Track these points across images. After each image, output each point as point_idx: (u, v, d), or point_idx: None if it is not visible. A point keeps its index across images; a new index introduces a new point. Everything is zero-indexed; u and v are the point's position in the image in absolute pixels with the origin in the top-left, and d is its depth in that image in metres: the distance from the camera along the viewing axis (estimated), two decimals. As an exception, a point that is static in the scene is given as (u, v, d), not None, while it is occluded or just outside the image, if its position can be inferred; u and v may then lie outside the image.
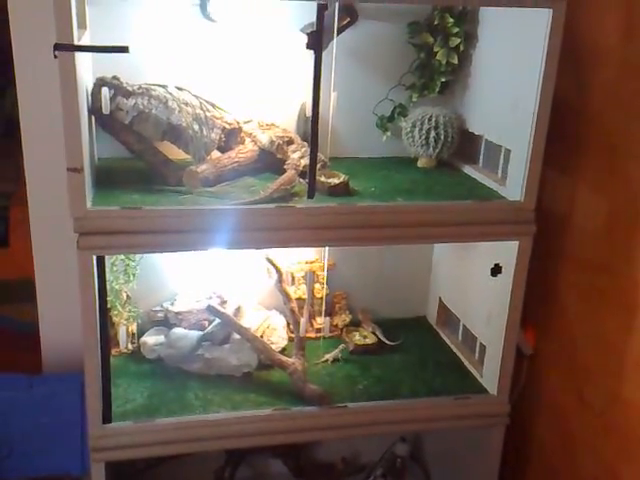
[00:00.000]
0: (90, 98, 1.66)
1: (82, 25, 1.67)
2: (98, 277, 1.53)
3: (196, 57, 1.87)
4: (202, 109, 1.74)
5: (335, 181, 1.73)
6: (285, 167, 1.77)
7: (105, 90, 1.51)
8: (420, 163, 2.04)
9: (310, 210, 1.57)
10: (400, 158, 2.08)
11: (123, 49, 1.32)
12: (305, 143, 1.92)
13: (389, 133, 2.04)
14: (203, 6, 1.82)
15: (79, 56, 1.40)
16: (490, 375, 1.93)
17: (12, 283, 3.30)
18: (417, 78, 2.00)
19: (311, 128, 1.54)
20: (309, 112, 1.51)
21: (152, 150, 1.73)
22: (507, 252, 1.76)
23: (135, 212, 1.49)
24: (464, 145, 2.00)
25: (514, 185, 1.71)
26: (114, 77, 1.66)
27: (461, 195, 1.75)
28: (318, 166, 1.80)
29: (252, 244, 1.59)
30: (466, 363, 2.08)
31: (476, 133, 1.96)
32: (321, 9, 1.46)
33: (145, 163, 1.75)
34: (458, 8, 1.89)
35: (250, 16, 1.86)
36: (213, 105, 1.78)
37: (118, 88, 1.65)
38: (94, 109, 1.67)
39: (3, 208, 4.05)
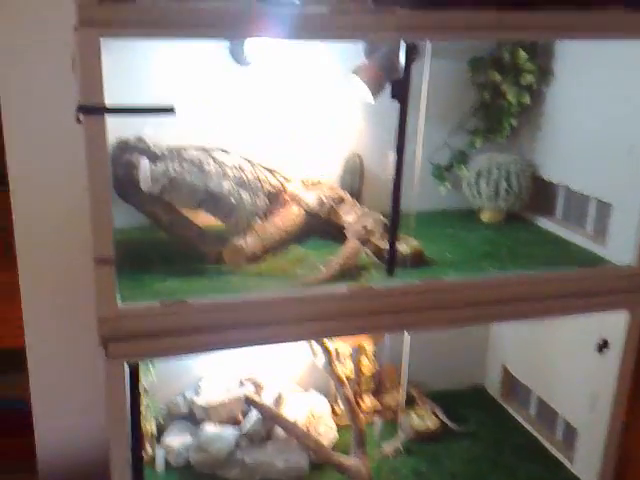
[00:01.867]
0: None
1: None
2: (131, 388, 1.25)
3: (226, 108, 1.63)
4: (242, 170, 1.50)
5: (406, 249, 1.49)
6: (346, 234, 1.53)
7: (145, 164, 1.25)
8: (485, 217, 1.82)
9: (390, 290, 1.32)
10: (459, 211, 1.87)
11: (168, 110, 1.07)
12: (357, 202, 1.69)
13: (448, 184, 1.82)
14: (235, 50, 1.58)
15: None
16: (585, 463, 1.69)
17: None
18: (480, 121, 1.79)
19: (393, 190, 1.30)
20: (391, 167, 1.28)
21: (185, 222, 1.48)
22: (609, 322, 1.54)
23: (178, 307, 1.22)
24: (535, 195, 1.78)
25: (620, 246, 1.49)
26: (139, 139, 1.41)
27: (556, 259, 1.52)
28: (380, 229, 1.57)
29: (319, 334, 1.35)
30: (547, 445, 1.85)
31: (554, 182, 1.75)
32: (411, 51, 1.23)
33: (176, 237, 1.49)
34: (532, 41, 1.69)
35: (290, 58, 1.64)
36: (253, 165, 1.54)
37: (144, 152, 1.40)
38: (114, 176, 1.41)
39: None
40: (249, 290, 1.33)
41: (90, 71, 1.06)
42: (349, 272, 1.42)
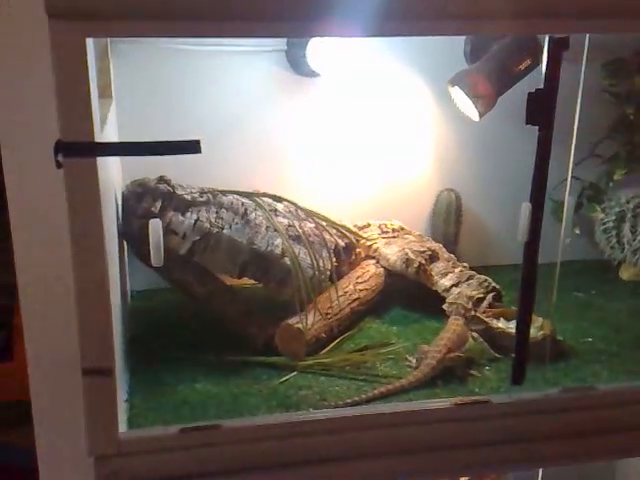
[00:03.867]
0: (120, 213, 1.06)
1: (105, 93, 1.09)
2: None
3: (281, 135, 1.27)
4: (300, 220, 1.12)
5: (534, 333, 1.07)
6: (445, 308, 1.14)
7: (155, 226, 0.88)
8: (627, 274, 1.40)
9: (517, 406, 0.91)
10: (586, 264, 1.44)
11: (192, 147, 0.70)
12: (453, 257, 1.29)
13: (577, 230, 1.39)
14: (294, 55, 1.21)
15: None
16: None
17: (16, 404, 2.77)
18: (621, 145, 1.36)
19: (525, 258, 0.90)
20: (524, 222, 0.89)
21: (225, 294, 1.11)
22: None
23: (207, 435, 0.85)
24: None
25: None
26: (161, 179, 1.06)
27: None
28: (490, 297, 1.18)
29: (413, 474, 0.93)
30: None
31: None
32: (559, 48, 0.83)
33: (212, 313, 1.13)
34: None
35: (367, 66, 1.26)
36: (314, 212, 1.16)
37: (168, 197, 1.05)
38: (126, 230, 1.06)
39: (6, 309, 3.43)
40: (310, 401, 0.94)
41: (71, 91, 0.70)
42: (456, 373, 1.02)
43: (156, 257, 0.84)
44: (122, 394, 0.94)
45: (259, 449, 0.86)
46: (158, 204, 1.02)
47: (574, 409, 0.93)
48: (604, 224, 1.38)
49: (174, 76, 1.22)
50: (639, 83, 1.30)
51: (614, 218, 1.36)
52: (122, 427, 0.86)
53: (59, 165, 0.75)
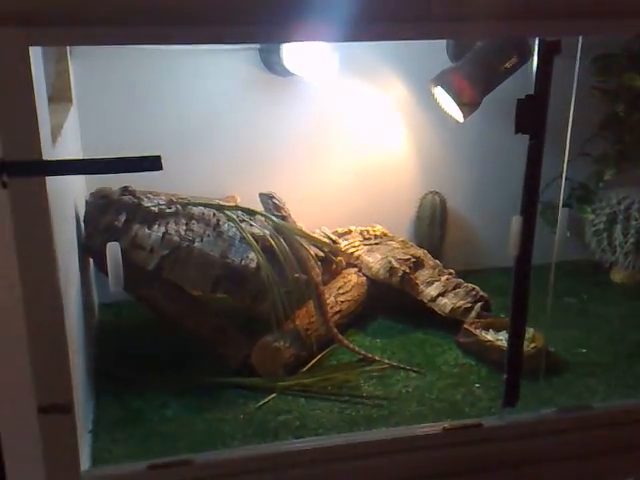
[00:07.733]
0: (83, 226, 0.99)
1: (63, 97, 1.01)
2: None
3: (258, 135, 1.20)
4: (276, 230, 1.05)
5: (525, 346, 1.01)
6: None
7: (113, 250, 0.81)
8: (618, 276, 1.35)
9: (510, 429, 0.85)
10: (576, 264, 1.38)
11: (152, 164, 0.63)
12: (439, 263, 1.23)
13: (567, 233, 1.33)
14: (269, 55, 1.14)
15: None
16: None
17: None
18: (611, 144, 1.30)
19: (515, 266, 0.84)
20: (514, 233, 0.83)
21: (197, 311, 1.04)
22: None
23: (179, 471, 0.78)
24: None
25: None
26: (125, 189, 0.98)
27: None
28: (477, 307, 1.12)
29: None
30: None
31: None
32: (551, 52, 0.77)
33: (186, 332, 1.05)
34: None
35: (346, 66, 1.19)
36: (289, 220, 1.09)
37: (133, 209, 0.97)
38: (89, 245, 0.98)
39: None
40: (290, 427, 0.88)
41: (13, 105, 0.63)
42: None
43: (115, 282, 0.77)
44: (86, 424, 0.87)
45: (235, 484, 0.80)
46: (122, 217, 0.95)
47: (571, 430, 0.88)
48: (595, 226, 1.33)
49: (141, 77, 1.14)
50: (628, 79, 1.23)
51: (605, 219, 1.31)
52: (85, 463, 0.80)
53: (4, 185, 0.67)
